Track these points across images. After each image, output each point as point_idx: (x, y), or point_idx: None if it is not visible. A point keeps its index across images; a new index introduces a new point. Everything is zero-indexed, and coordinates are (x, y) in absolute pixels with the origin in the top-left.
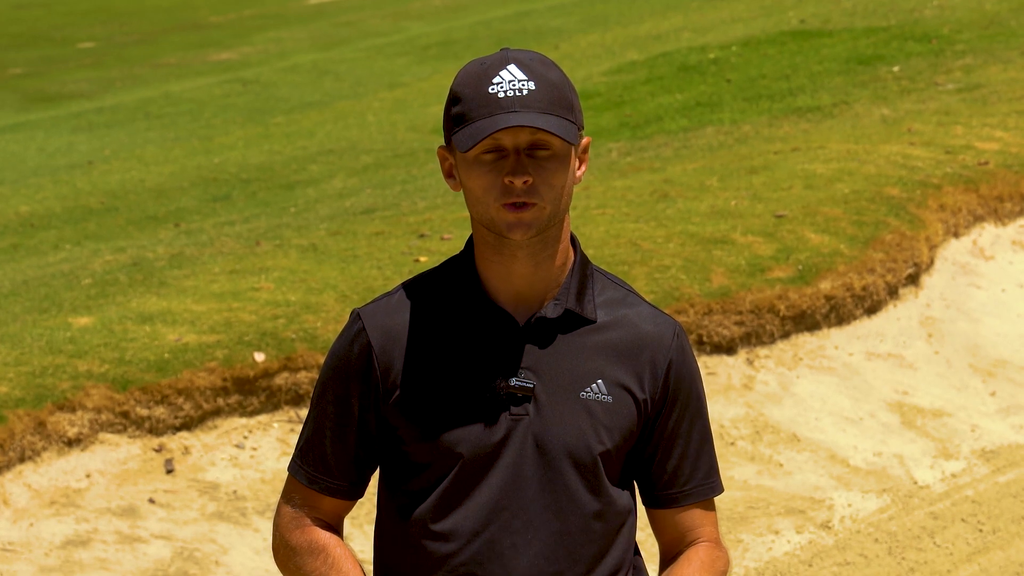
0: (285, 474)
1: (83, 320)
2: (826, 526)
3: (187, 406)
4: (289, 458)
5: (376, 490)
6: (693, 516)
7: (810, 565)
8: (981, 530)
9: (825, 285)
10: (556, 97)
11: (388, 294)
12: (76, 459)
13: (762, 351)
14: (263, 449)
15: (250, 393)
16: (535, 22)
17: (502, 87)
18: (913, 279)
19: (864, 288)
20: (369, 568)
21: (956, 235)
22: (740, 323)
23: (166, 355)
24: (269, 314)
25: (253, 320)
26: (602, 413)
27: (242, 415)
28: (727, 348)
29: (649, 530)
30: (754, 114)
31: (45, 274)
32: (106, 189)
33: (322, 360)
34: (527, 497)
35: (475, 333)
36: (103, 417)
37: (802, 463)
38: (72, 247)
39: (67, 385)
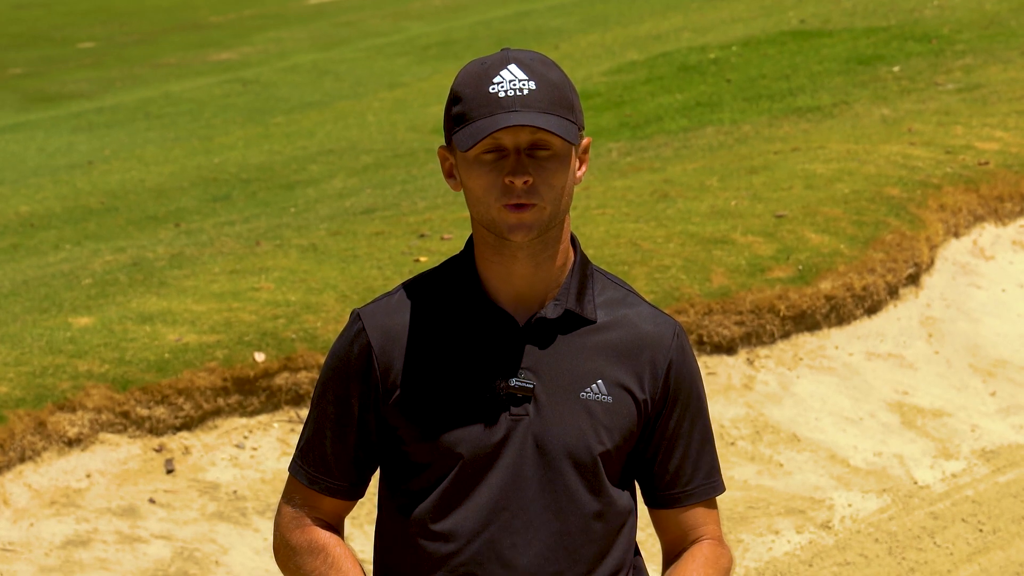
0: (285, 474)
1: (83, 320)
2: (826, 526)
3: (187, 406)
4: (289, 458)
5: (376, 490)
6: (696, 515)
7: (810, 565)
8: (981, 530)
9: (825, 285)
10: (557, 97)
11: (388, 294)
12: (76, 459)
13: (762, 351)
14: (263, 449)
15: (250, 393)
16: (535, 22)
17: (503, 87)
18: (913, 279)
19: (864, 288)
20: (369, 568)
21: (956, 235)
22: (740, 323)
23: (166, 355)
24: (269, 314)
25: (253, 320)
26: (602, 413)
27: (242, 415)
28: (727, 348)
29: (649, 530)
30: (754, 114)
31: (45, 274)
32: (106, 189)
33: (322, 360)
34: (527, 497)
35: (475, 333)
36: (103, 417)
37: (802, 463)
38: (72, 247)
39: (67, 385)
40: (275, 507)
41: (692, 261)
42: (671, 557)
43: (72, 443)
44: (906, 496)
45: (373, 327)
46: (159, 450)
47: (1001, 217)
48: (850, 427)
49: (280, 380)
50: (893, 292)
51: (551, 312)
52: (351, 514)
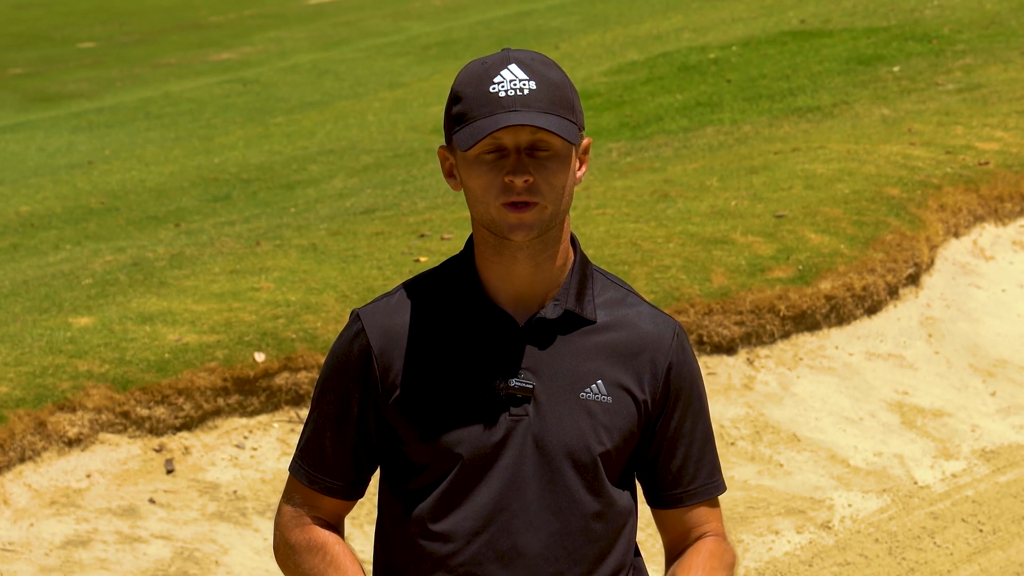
0: (285, 474)
1: (83, 320)
2: (826, 526)
3: (187, 406)
4: (289, 458)
5: (376, 490)
6: (699, 514)
7: (810, 565)
8: (981, 530)
9: (825, 285)
10: (557, 97)
11: (388, 294)
12: (76, 459)
13: (762, 351)
14: (263, 449)
15: (250, 393)
16: (535, 22)
17: (503, 86)
18: (913, 279)
19: (864, 288)
20: (369, 568)
21: (956, 235)
22: (740, 323)
23: (166, 355)
24: (269, 314)
25: (253, 320)
26: (602, 414)
27: (242, 415)
28: (727, 348)
29: (648, 530)
30: (754, 114)
31: (45, 274)
32: (106, 189)
33: (322, 360)
34: (527, 498)
35: (475, 334)
36: (103, 417)
37: (802, 463)
38: (72, 247)
39: (67, 385)
40: (275, 507)
41: (692, 261)
42: (674, 554)
43: (72, 443)
44: (906, 496)
45: (373, 327)
46: (159, 450)
47: (1001, 217)
48: (850, 427)
49: (280, 380)
50: (893, 292)
51: (551, 312)
52: (351, 514)
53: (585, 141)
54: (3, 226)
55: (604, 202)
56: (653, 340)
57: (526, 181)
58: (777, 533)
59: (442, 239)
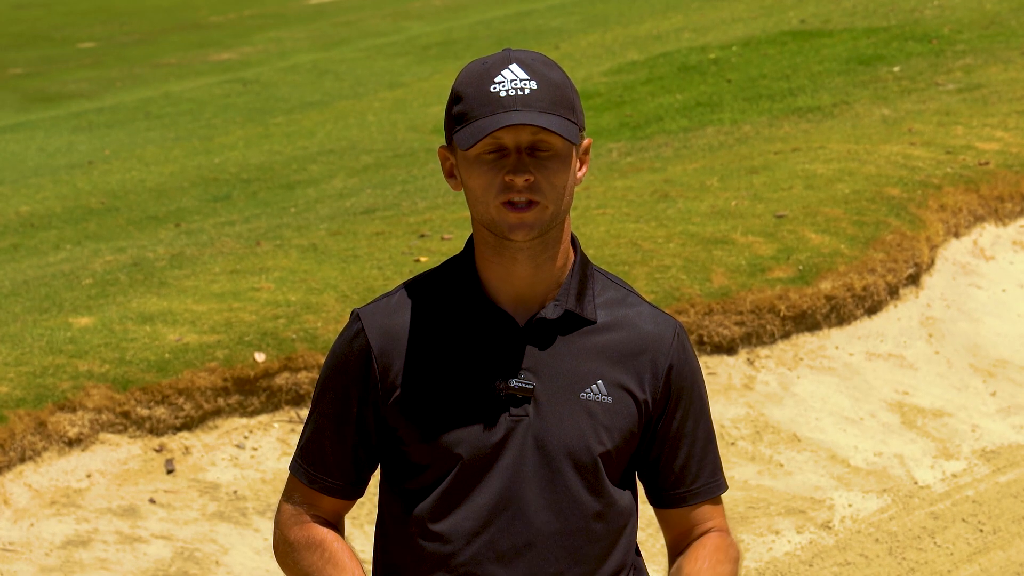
0: (285, 474)
1: (83, 320)
2: (826, 526)
3: (187, 406)
4: (289, 458)
5: (376, 490)
6: (702, 512)
7: (810, 565)
8: (981, 530)
9: (825, 285)
10: (558, 97)
11: (388, 294)
12: (76, 459)
13: (762, 351)
14: (263, 449)
15: (250, 393)
16: (535, 22)
17: (504, 86)
18: (913, 279)
19: (864, 288)
20: (369, 568)
21: (956, 235)
22: (740, 323)
23: (166, 355)
24: (269, 314)
25: (253, 320)
26: (602, 414)
27: (242, 415)
28: (727, 348)
29: (648, 530)
30: (754, 114)
31: (45, 274)
32: (106, 189)
33: (322, 360)
34: (527, 498)
35: (475, 334)
36: (103, 417)
37: (802, 463)
38: (72, 247)
39: (67, 385)
40: (275, 507)
41: (692, 261)
42: (678, 551)
43: (72, 443)
44: (906, 496)
45: (372, 327)
46: (159, 450)
47: (1001, 217)
48: (850, 427)
49: (280, 380)
50: (893, 292)
51: (551, 313)
52: (351, 514)
53: (586, 141)
54: (3, 226)
55: (604, 202)
56: (654, 340)
57: (527, 180)
58: (777, 533)
59: (442, 239)
